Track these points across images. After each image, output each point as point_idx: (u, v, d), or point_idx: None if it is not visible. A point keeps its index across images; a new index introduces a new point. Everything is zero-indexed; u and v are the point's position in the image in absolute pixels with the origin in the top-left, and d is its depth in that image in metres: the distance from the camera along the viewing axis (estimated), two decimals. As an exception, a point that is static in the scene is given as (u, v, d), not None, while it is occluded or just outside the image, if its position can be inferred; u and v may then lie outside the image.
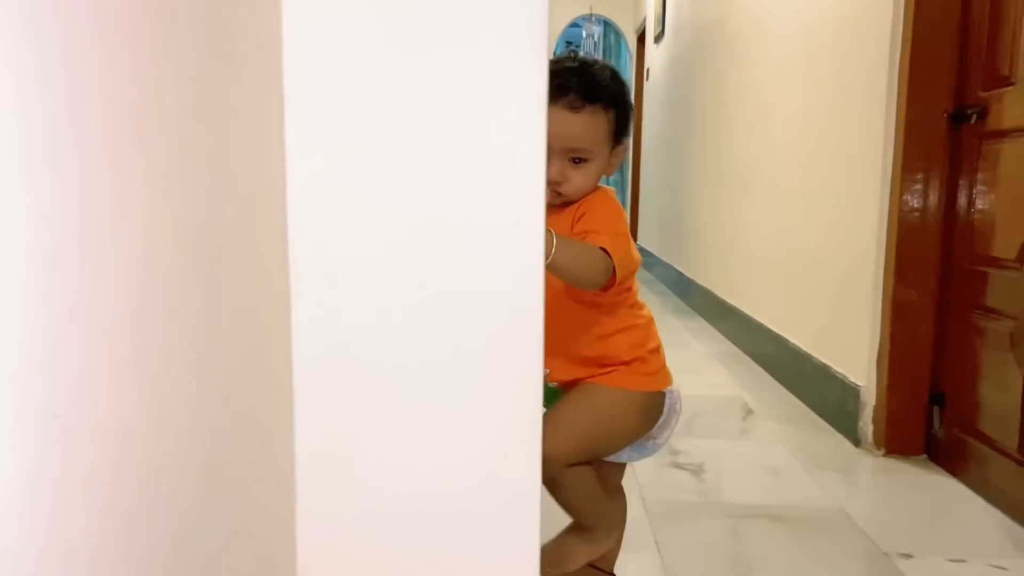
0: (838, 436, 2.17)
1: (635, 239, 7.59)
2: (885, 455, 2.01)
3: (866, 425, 2.06)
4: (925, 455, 2.00)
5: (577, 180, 1.01)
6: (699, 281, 4.29)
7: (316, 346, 0.61)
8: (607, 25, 8.72)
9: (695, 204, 4.59)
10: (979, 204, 1.83)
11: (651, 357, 1.09)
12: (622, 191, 8.78)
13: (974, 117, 1.84)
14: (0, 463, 0.29)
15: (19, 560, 0.30)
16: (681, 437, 2.13)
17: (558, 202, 1.03)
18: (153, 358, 0.41)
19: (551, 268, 0.94)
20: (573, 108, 0.99)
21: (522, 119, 0.60)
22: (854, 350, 2.17)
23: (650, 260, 6.31)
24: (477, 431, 0.63)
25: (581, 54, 1.07)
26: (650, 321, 1.12)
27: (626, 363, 1.06)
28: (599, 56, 9.14)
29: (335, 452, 0.62)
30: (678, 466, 1.91)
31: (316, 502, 0.63)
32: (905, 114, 1.95)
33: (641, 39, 7.56)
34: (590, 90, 0.99)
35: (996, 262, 1.75)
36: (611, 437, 1.08)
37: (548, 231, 0.94)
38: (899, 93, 1.98)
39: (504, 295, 0.61)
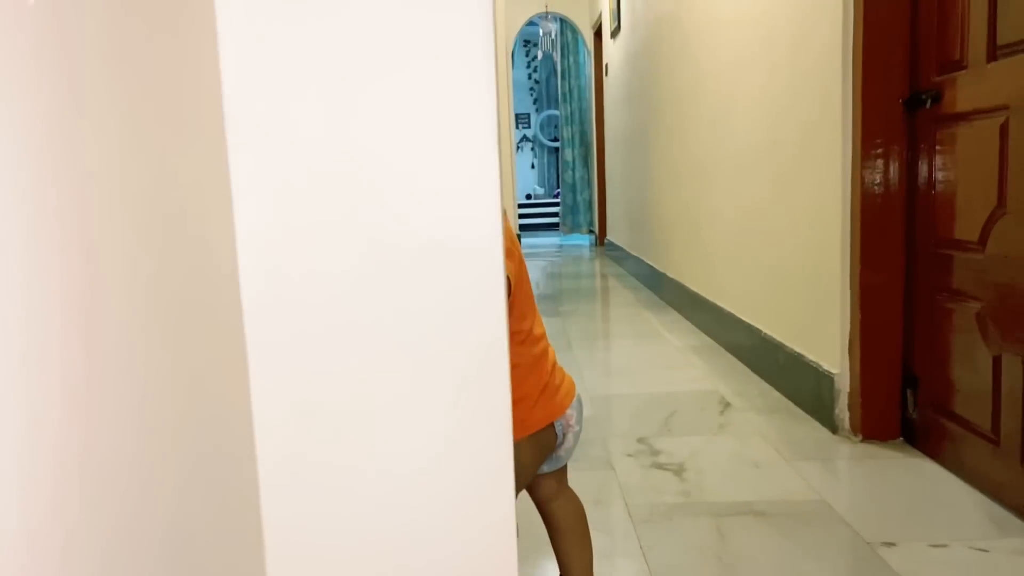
0: (816, 424, 2.18)
1: (604, 234, 7.62)
2: (863, 441, 2.02)
3: (842, 412, 2.08)
4: (902, 438, 2.02)
5: None
6: (670, 274, 4.31)
7: (277, 388, 0.59)
8: (563, 22, 8.72)
9: (661, 197, 4.60)
10: (940, 188, 1.85)
11: (536, 397, 1.11)
12: (588, 187, 8.80)
13: (929, 102, 1.86)
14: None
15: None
16: (661, 436, 2.13)
17: None
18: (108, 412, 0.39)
19: None
20: None
21: (474, 136, 0.58)
22: (826, 337, 2.18)
23: (619, 254, 6.33)
24: (447, 464, 0.61)
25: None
26: (540, 356, 1.12)
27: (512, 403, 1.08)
28: (558, 54, 9.15)
29: (300, 513, 0.60)
30: (659, 467, 1.91)
31: (283, 538, 0.61)
32: (861, 100, 1.97)
33: (598, 34, 7.58)
34: None
35: (960, 245, 1.77)
36: (517, 480, 1.12)
37: None
38: (854, 80, 1.99)
39: (467, 318, 0.60)
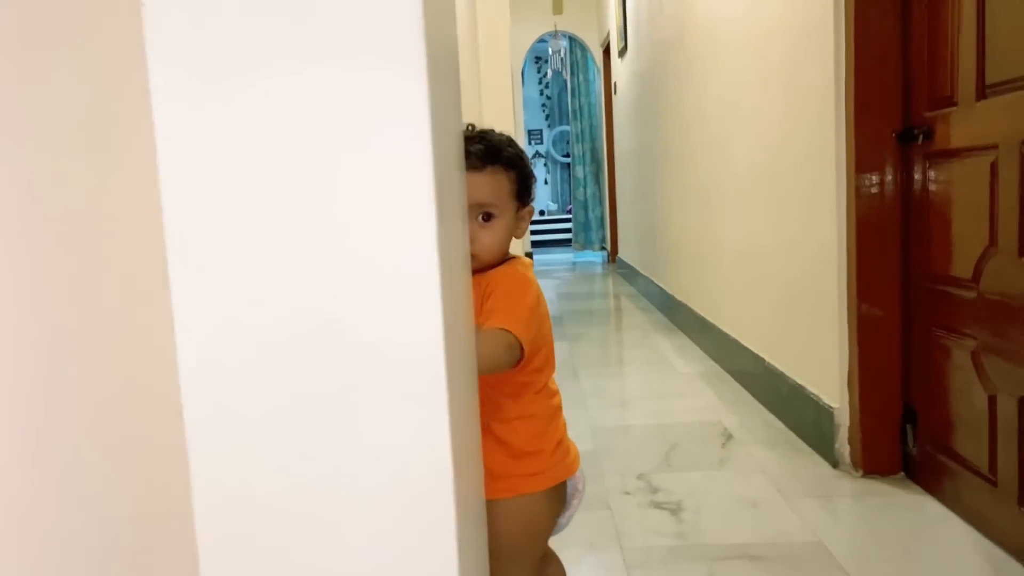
0: (817, 458, 2.17)
1: (616, 251, 7.61)
2: (863, 476, 2.01)
3: (842, 446, 2.06)
4: (903, 473, 2.00)
5: (486, 239, 1.04)
6: (678, 297, 4.30)
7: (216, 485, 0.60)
8: (572, 40, 8.76)
9: (668, 218, 4.60)
10: (934, 223, 1.84)
11: (553, 450, 1.11)
12: (600, 204, 8.80)
13: (920, 137, 1.85)
14: None
15: None
16: (661, 472, 2.12)
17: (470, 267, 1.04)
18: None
19: None
20: (475, 168, 1.03)
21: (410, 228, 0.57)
22: (825, 370, 2.17)
23: (631, 273, 6.32)
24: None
25: (479, 127, 1.11)
26: (556, 410, 1.13)
27: (527, 454, 1.08)
28: (567, 72, 9.19)
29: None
30: (657, 506, 1.90)
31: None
32: (854, 134, 1.97)
33: (607, 52, 7.60)
34: (490, 152, 1.05)
35: (954, 281, 1.76)
36: (538, 537, 1.14)
37: None
38: (846, 113, 1.99)
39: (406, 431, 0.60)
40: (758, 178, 2.76)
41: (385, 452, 0.58)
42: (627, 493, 1.99)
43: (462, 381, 0.70)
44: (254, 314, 0.57)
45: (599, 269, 7.95)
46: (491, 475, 1.06)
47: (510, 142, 1.09)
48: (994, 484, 1.62)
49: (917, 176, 1.90)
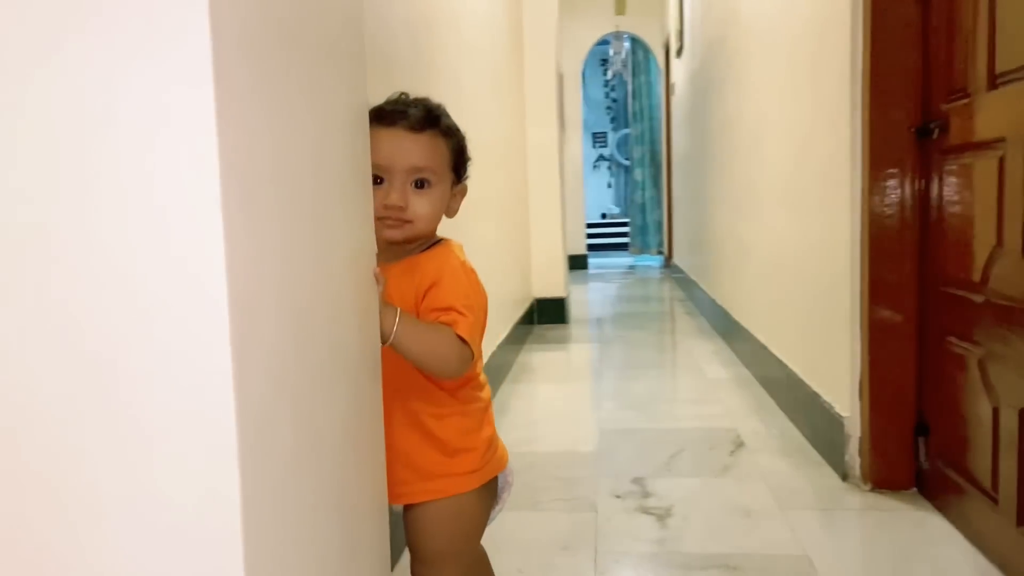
0: (827, 470, 2.06)
1: (671, 256, 7.46)
2: (872, 490, 1.89)
3: (852, 458, 1.95)
4: (915, 488, 1.88)
5: (420, 207, 0.99)
6: (719, 301, 4.18)
7: None
8: (635, 41, 8.64)
9: (711, 220, 4.49)
10: (947, 222, 1.73)
11: (487, 446, 1.07)
12: (659, 207, 8.65)
13: (936, 131, 1.74)
14: None
15: None
16: (658, 477, 2.05)
17: (399, 238, 0.99)
18: None
19: (395, 349, 0.92)
20: (414, 129, 0.99)
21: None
22: (838, 378, 2.06)
23: (683, 278, 6.19)
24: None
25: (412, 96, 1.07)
26: (487, 403, 1.09)
27: (460, 451, 1.04)
28: (628, 74, 9.08)
29: None
30: (645, 511, 1.83)
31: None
32: (870, 131, 1.86)
33: (668, 53, 7.47)
34: (429, 116, 1.01)
35: (965, 284, 1.64)
36: (475, 537, 1.10)
37: (390, 308, 0.92)
38: (863, 108, 1.89)
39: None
40: (783, 180, 2.65)
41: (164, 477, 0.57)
42: (617, 497, 1.92)
43: (298, 377, 0.67)
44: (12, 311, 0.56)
45: (656, 274, 7.80)
46: (425, 475, 1.03)
47: (445, 113, 1.06)
48: (996, 502, 1.50)
49: (933, 172, 1.79)
